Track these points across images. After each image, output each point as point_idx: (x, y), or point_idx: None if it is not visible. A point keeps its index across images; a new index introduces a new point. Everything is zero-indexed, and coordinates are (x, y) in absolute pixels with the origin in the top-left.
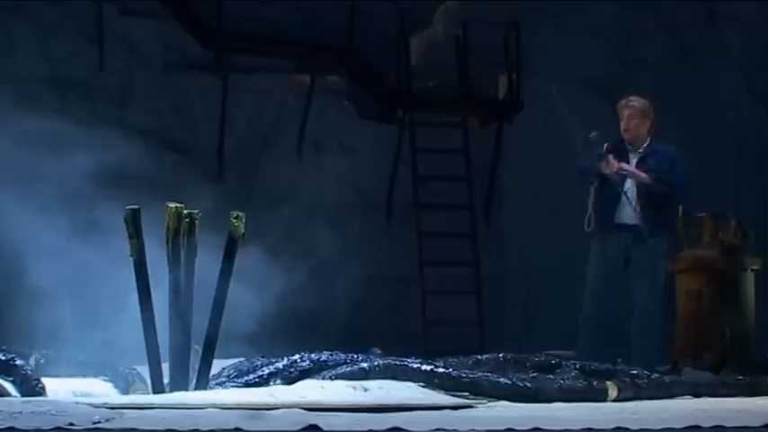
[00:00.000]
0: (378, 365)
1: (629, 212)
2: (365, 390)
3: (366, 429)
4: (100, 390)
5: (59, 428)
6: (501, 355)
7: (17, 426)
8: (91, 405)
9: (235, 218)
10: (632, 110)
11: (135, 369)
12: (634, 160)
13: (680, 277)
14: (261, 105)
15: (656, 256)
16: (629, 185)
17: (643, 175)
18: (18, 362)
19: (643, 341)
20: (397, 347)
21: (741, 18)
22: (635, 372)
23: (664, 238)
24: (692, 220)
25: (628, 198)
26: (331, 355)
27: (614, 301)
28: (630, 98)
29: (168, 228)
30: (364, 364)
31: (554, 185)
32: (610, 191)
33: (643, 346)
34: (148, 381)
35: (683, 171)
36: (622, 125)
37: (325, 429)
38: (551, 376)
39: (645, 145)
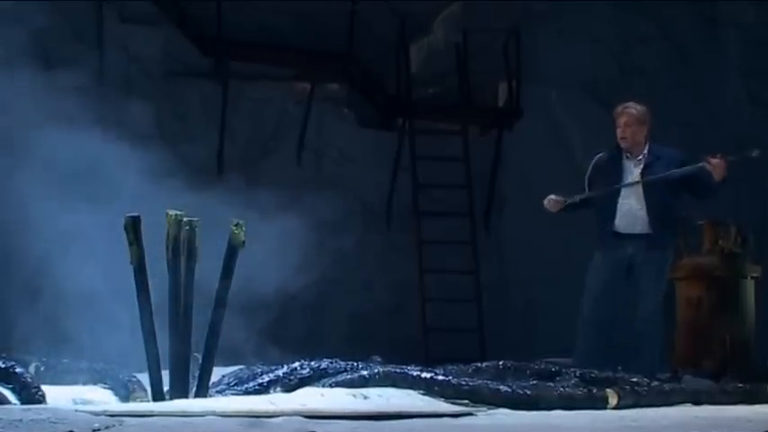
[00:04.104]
0: (378, 373)
1: (636, 221)
2: (365, 397)
3: None
4: (100, 397)
5: None
6: (501, 363)
7: None
8: (91, 413)
9: (235, 225)
10: (629, 117)
11: (135, 377)
12: (634, 168)
13: (680, 284)
14: (260, 113)
15: (663, 266)
16: (637, 193)
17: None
18: (18, 369)
19: (643, 349)
20: (397, 355)
21: (741, 24)
22: (635, 379)
23: (671, 246)
24: (691, 228)
25: (637, 206)
26: (331, 362)
27: (614, 309)
28: (627, 105)
29: (168, 235)
30: (364, 372)
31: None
32: (608, 200)
33: (643, 354)
34: (148, 388)
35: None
36: (619, 133)
37: None
38: (551, 384)
39: (645, 152)
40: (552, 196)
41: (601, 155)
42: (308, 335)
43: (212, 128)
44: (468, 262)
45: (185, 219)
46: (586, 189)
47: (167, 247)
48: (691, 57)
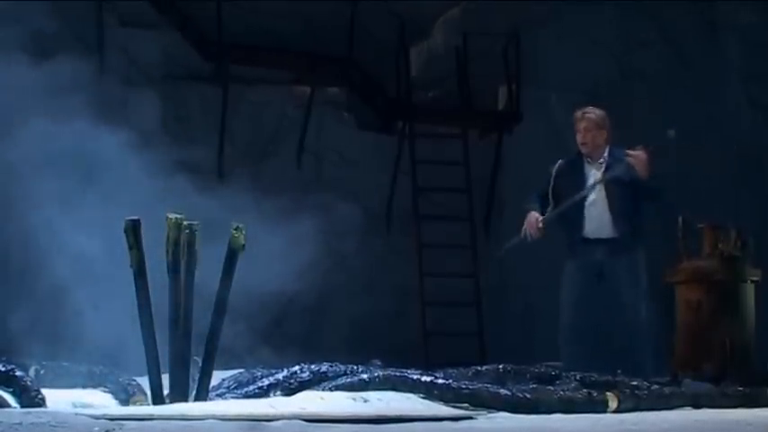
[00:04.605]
0: (378, 376)
1: (602, 226)
2: (365, 401)
3: None
4: (100, 401)
5: None
6: (501, 367)
7: None
8: (91, 416)
9: (235, 229)
10: (589, 122)
11: (135, 380)
12: (595, 172)
13: (679, 288)
14: (260, 116)
15: (635, 268)
16: (600, 197)
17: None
18: (18, 372)
19: (634, 355)
20: (396, 358)
21: (741, 28)
22: (635, 383)
23: (639, 246)
24: (691, 231)
25: (599, 211)
26: (331, 366)
27: (593, 315)
28: (586, 110)
29: (168, 239)
30: (364, 376)
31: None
32: (574, 207)
33: (635, 359)
34: (148, 392)
35: (654, 173)
36: (579, 138)
37: None
38: (551, 387)
39: (605, 155)
40: (534, 217)
41: (561, 162)
42: (307, 338)
43: (212, 131)
44: (467, 265)
45: (185, 222)
46: (550, 199)
47: (167, 251)
48: (691, 60)
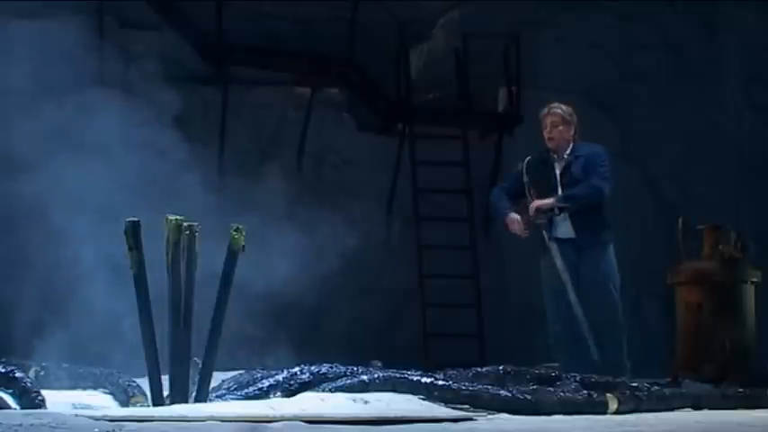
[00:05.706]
0: (378, 378)
1: (563, 227)
2: (365, 402)
3: None
4: (100, 402)
5: None
6: (501, 368)
7: None
8: (91, 417)
9: (235, 230)
10: (555, 117)
11: (135, 381)
12: (558, 170)
13: (680, 290)
14: (261, 118)
15: (602, 265)
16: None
17: (549, 201)
18: (18, 374)
19: (610, 353)
20: (397, 360)
21: (741, 31)
22: (635, 384)
23: (607, 242)
24: (692, 233)
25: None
26: (331, 367)
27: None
28: (552, 105)
29: (168, 240)
30: (364, 377)
31: None
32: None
33: (611, 357)
34: (148, 393)
35: (602, 171)
36: (546, 134)
37: None
38: (551, 389)
39: (568, 152)
40: (512, 220)
41: (529, 158)
42: (307, 339)
43: (213, 133)
44: (468, 267)
45: (185, 223)
46: (528, 195)
47: (167, 253)
48: (690, 62)
